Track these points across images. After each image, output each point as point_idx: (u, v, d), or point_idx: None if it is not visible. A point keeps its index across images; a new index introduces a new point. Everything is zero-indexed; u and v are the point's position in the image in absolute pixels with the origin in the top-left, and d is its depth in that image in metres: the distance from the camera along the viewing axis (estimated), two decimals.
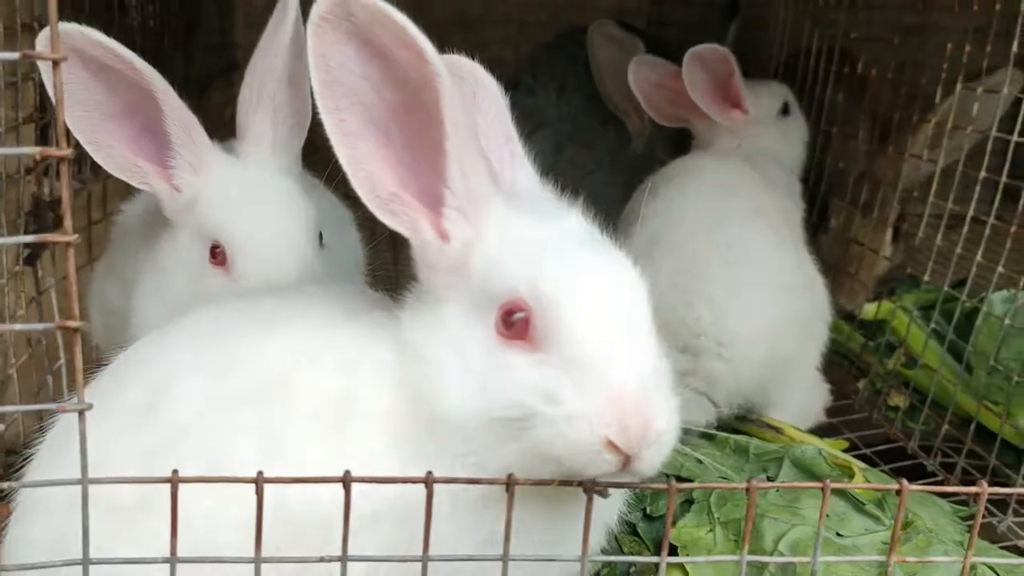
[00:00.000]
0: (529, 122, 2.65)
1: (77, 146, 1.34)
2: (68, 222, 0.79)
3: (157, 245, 1.51)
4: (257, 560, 0.88)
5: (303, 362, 1.04)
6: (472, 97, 1.16)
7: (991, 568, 1.33)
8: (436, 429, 0.99)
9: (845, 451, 1.83)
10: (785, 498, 1.41)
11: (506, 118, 1.17)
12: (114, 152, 1.40)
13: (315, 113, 1.01)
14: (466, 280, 1.01)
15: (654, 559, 0.96)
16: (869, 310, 2.39)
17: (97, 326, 1.80)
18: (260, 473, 0.86)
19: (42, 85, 1.70)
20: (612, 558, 1.14)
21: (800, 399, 2.03)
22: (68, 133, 1.32)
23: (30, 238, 0.84)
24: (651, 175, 2.13)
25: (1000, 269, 1.88)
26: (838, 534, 1.38)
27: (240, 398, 1.02)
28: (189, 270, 1.45)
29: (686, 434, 0.99)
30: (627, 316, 0.97)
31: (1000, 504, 1.75)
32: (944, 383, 2.03)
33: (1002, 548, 1.56)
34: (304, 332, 1.08)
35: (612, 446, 0.90)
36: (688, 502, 1.44)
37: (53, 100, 0.79)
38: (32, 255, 1.75)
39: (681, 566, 1.31)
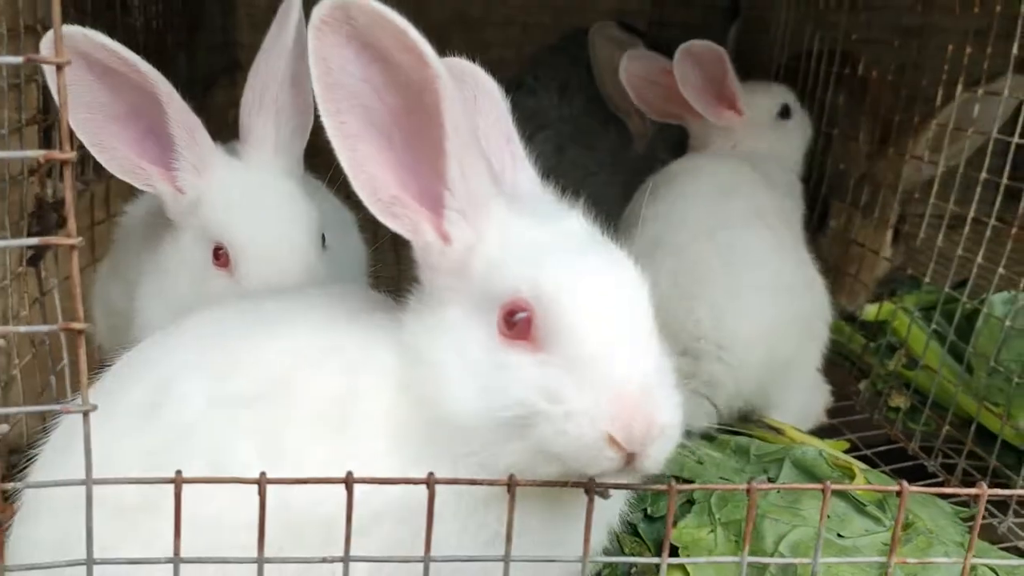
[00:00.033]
0: (531, 123, 2.66)
1: (80, 147, 1.35)
2: (72, 225, 0.79)
3: (160, 247, 1.52)
4: (260, 560, 0.88)
5: (305, 363, 1.05)
6: (473, 100, 1.16)
7: (991, 569, 1.33)
8: (438, 430, 0.99)
9: (846, 452, 1.83)
10: (786, 499, 1.42)
11: (507, 120, 1.17)
12: (118, 154, 1.40)
13: (318, 115, 1.01)
14: (467, 282, 1.02)
15: (655, 560, 0.96)
16: (870, 311, 2.39)
17: (100, 327, 1.81)
18: (263, 474, 0.86)
19: (45, 87, 1.71)
20: (613, 559, 1.14)
21: (801, 400, 2.03)
22: (72, 135, 1.32)
23: (34, 241, 0.84)
24: (652, 175, 2.13)
25: (1001, 271, 1.88)
26: (839, 535, 1.38)
27: (242, 399, 1.02)
28: (192, 272, 1.46)
29: (687, 435, 1.00)
30: (629, 316, 0.97)
31: (1000, 505, 1.75)
32: (945, 384, 2.03)
33: (1002, 549, 1.56)
34: (306, 334, 1.08)
35: (615, 442, 0.90)
36: (689, 503, 1.44)
37: (57, 102, 0.80)
38: (35, 256, 1.76)
39: (682, 567, 1.31)
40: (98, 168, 1.53)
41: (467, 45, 1.18)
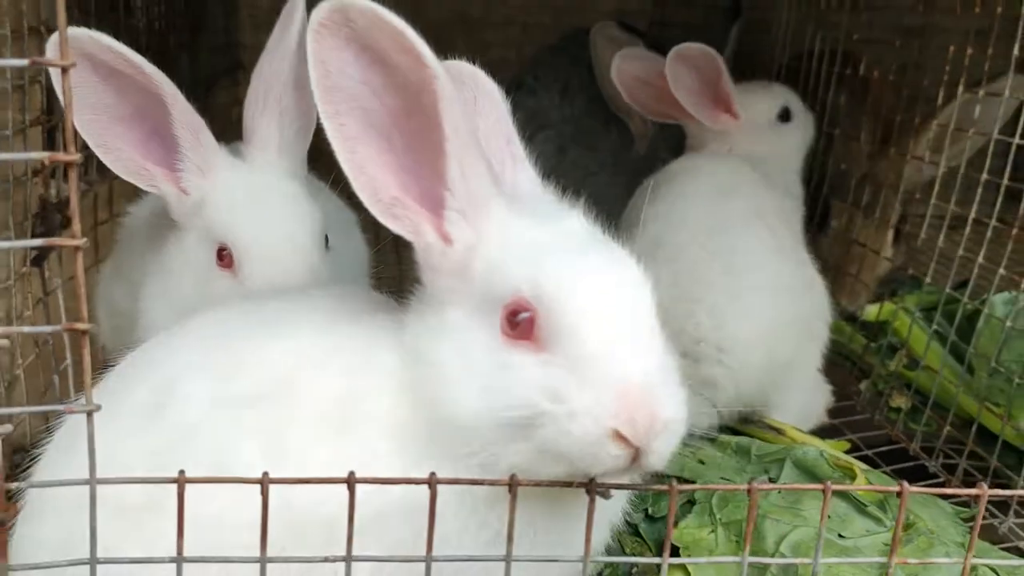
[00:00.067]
0: (532, 124, 2.66)
1: (84, 148, 1.35)
2: (76, 226, 0.80)
3: (164, 247, 1.52)
4: (263, 560, 0.89)
5: (308, 364, 1.05)
6: (473, 101, 1.17)
7: (992, 569, 1.33)
8: (440, 431, 1.00)
9: (847, 452, 1.83)
10: (787, 499, 1.42)
11: (507, 121, 1.17)
12: (123, 155, 1.41)
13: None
14: (469, 282, 1.02)
15: (656, 560, 0.97)
16: (871, 311, 2.39)
17: (104, 327, 1.81)
18: (265, 474, 0.87)
19: (49, 88, 1.71)
20: (614, 559, 1.15)
21: (801, 400, 2.03)
22: (76, 136, 1.32)
23: (39, 242, 0.84)
24: (652, 175, 2.13)
25: (1001, 271, 1.88)
26: (840, 535, 1.38)
27: (246, 400, 1.03)
28: (196, 272, 1.46)
29: (689, 436, 1.00)
30: (630, 314, 0.97)
31: (1001, 505, 1.75)
32: (946, 384, 2.03)
33: (1003, 549, 1.56)
34: (309, 335, 1.09)
35: (620, 438, 0.90)
36: (690, 503, 1.45)
37: (62, 103, 0.80)
38: (39, 256, 1.76)
39: (683, 567, 1.31)
40: (102, 169, 1.54)
41: (467, 45, 1.19)
